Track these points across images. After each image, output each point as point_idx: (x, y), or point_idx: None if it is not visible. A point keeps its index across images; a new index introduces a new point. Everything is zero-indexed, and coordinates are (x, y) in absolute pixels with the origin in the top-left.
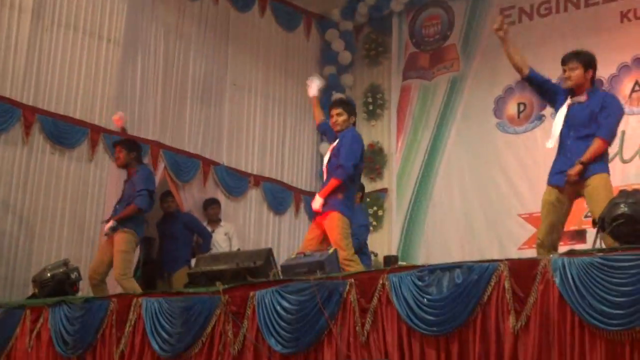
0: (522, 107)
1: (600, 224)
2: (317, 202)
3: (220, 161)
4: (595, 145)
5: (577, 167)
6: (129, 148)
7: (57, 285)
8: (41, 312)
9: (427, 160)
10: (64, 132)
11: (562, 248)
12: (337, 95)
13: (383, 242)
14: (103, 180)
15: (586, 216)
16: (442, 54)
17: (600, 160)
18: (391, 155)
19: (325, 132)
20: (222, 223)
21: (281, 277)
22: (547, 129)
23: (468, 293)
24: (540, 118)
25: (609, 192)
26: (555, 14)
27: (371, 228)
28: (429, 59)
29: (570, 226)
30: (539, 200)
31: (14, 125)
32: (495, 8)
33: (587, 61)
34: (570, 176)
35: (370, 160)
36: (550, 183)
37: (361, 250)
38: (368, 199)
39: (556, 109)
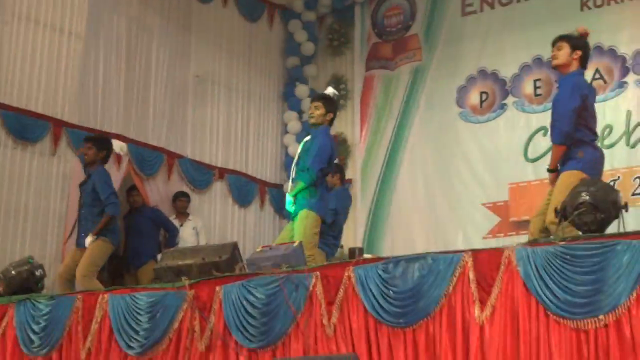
0: (484, 97)
1: (562, 212)
2: (288, 203)
3: (184, 154)
4: (552, 151)
5: (550, 176)
6: (100, 146)
7: (22, 282)
8: (6, 310)
9: (390, 151)
10: (26, 126)
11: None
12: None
13: (348, 233)
14: (66, 174)
15: None
16: (405, 43)
17: (568, 158)
18: (355, 145)
19: None
20: (190, 217)
21: (247, 271)
22: (510, 118)
23: (433, 284)
24: (503, 107)
25: (563, 187)
26: (516, 3)
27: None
28: (391, 49)
29: (522, 216)
30: (502, 189)
31: None
32: None
33: (575, 42)
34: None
35: None
36: None
37: (322, 235)
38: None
39: None
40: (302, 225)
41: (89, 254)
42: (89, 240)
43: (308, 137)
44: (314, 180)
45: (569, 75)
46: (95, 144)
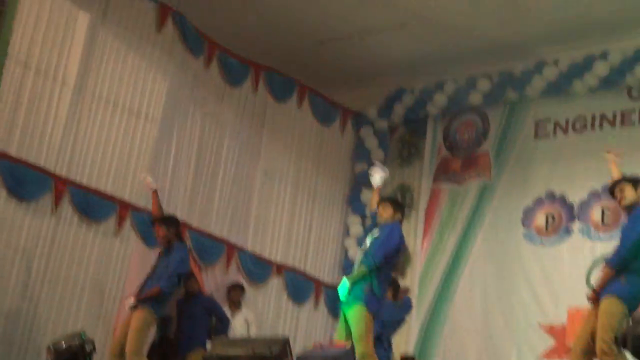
0: (550, 219)
1: (622, 341)
2: (344, 287)
3: (245, 246)
4: (603, 271)
5: (591, 294)
6: (168, 224)
7: (72, 356)
8: None
9: (451, 264)
10: (93, 205)
11: None
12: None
13: (401, 341)
14: (127, 256)
15: None
16: (475, 160)
17: (613, 282)
18: (415, 255)
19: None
20: (242, 309)
21: None
22: (575, 243)
23: None
24: (569, 232)
25: (608, 315)
26: (590, 131)
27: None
28: (460, 164)
29: None
30: (561, 313)
31: (44, 195)
32: (530, 119)
33: (636, 182)
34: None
35: None
36: None
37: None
38: None
39: None
40: (359, 325)
41: (133, 326)
42: (128, 301)
43: (377, 230)
44: (375, 266)
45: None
46: (163, 223)
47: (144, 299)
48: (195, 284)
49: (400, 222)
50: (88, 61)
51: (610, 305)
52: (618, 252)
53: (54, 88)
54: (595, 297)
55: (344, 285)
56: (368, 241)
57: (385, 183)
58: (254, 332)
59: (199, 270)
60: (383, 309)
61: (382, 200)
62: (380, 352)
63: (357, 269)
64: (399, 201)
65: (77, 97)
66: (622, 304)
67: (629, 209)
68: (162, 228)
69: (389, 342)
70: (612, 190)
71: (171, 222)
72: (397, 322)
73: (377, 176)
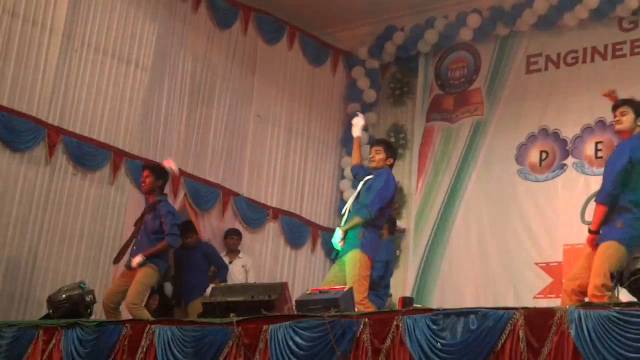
0: (544, 155)
1: (618, 277)
2: (338, 236)
3: (240, 192)
4: (595, 210)
5: (588, 236)
6: (158, 175)
7: (72, 306)
8: (54, 333)
9: (446, 203)
10: (87, 154)
11: None
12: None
13: (398, 282)
14: (123, 204)
15: None
16: (467, 97)
17: (607, 225)
18: (411, 195)
19: (357, 174)
20: (240, 254)
21: (295, 312)
22: (569, 179)
23: (482, 340)
24: (562, 167)
25: (603, 258)
26: (581, 64)
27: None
28: (453, 101)
29: None
30: (557, 249)
31: (38, 145)
32: (522, 54)
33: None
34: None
35: None
36: None
37: (374, 287)
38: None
39: None
40: (355, 268)
41: (136, 281)
42: (137, 260)
43: (370, 177)
44: (371, 218)
45: (628, 139)
46: (154, 172)
47: (150, 256)
48: (193, 234)
49: (392, 166)
50: (76, 7)
51: (609, 247)
52: (603, 187)
53: (43, 36)
54: (593, 240)
55: (338, 236)
56: (361, 185)
57: (373, 126)
58: (252, 278)
59: (195, 217)
60: (382, 249)
61: (375, 142)
62: (381, 291)
63: (352, 219)
64: (391, 144)
65: (66, 44)
66: (621, 246)
67: (621, 133)
68: (151, 177)
69: (387, 283)
70: (615, 107)
71: (162, 173)
72: (386, 262)
73: (357, 127)
